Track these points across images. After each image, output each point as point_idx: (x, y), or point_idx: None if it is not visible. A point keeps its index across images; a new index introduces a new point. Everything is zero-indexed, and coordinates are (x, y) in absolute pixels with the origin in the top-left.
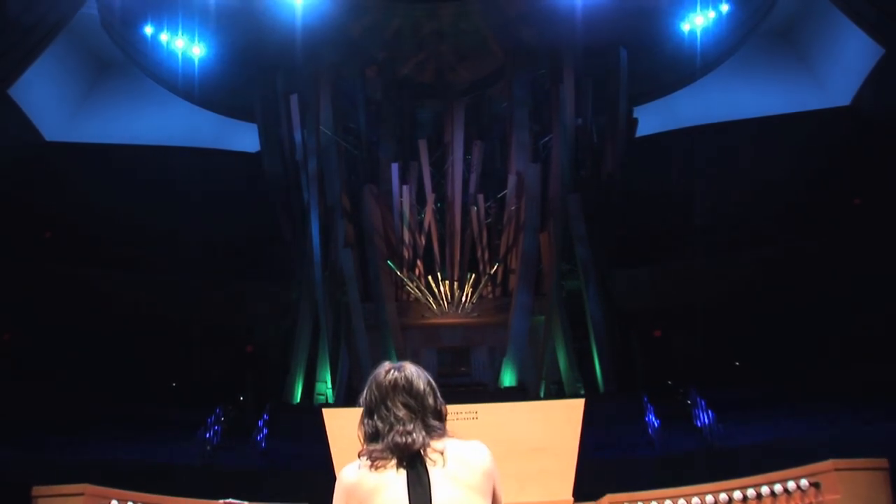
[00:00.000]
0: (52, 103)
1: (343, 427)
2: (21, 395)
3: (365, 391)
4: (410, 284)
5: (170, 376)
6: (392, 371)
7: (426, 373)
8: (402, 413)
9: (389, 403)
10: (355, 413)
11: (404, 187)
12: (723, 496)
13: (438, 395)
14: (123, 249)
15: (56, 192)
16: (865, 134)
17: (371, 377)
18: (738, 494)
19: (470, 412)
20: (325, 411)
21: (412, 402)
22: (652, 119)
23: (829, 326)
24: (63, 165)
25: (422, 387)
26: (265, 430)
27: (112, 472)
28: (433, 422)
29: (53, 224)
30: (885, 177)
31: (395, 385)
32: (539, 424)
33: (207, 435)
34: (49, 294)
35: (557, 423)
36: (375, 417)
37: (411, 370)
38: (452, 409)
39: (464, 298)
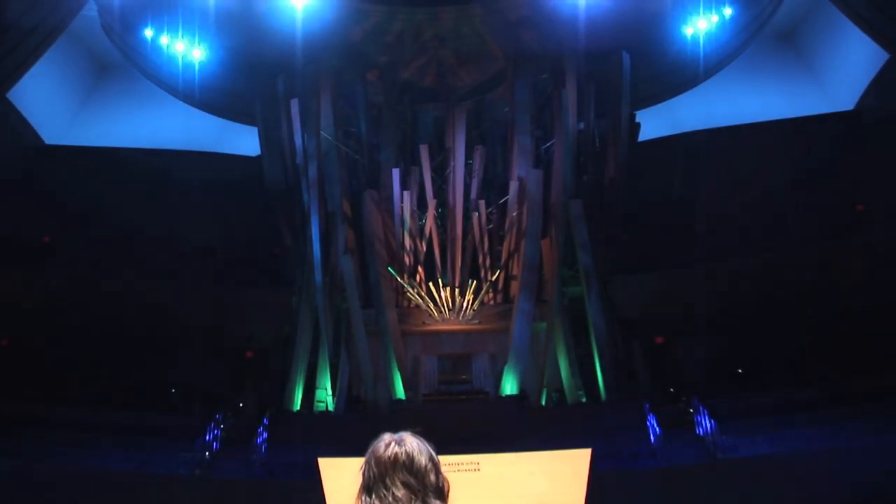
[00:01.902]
0: (51, 106)
1: (339, 478)
2: (17, 402)
3: (363, 466)
4: (411, 291)
5: (169, 382)
6: (392, 445)
7: (428, 446)
8: (400, 493)
9: (388, 482)
10: (353, 463)
11: (405, 193)
12: None
13: (440, 470)
14: (123, 254)
15: (55, 195)
16: (869, 139)
17: (370, 451)
18: None
19: (471, 463)
20: (321, 461)
21: (412, 481)
22: (654, 123)
23: (833, 333)
24: (63, 169)
25: (423, 463)
26: (265, 436)
27: (109, 481)
28: (434, 501)
29: (53, 228)
30: (889, 182)
31: (395, 461)
32: (543, 477)
33: (207, 438)
34: (47, 298)
35: (562, 476)
36: (373, 496)
37: (412, 444)
38: (453, 461)
39: (465, 305)
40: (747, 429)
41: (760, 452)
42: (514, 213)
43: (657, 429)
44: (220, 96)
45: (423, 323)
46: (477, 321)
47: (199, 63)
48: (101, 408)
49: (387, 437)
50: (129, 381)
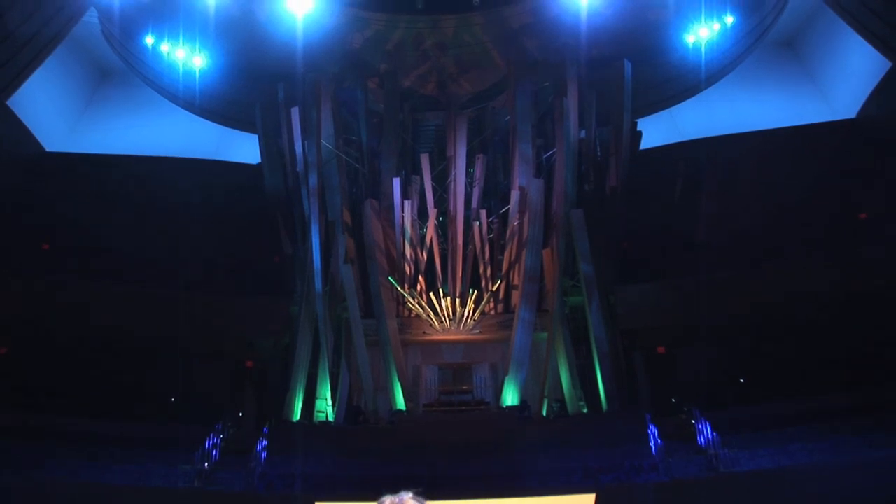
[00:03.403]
0: (52, 113)
1: None
2: (12, 412)
3: None
4: (412, 300)
5: (168, 392)
6: None
7: None
8: None
9: None
10: None
11: (406, 202)
12: None
13: None
14: (122, 262)
15: (55, 203)
16: (871, 147)
17: None
18: None
19: None
20: None
21: None
22: (655, 131)
23: (836, 344)
24: (63, 176)
25: None
26: (265, 447)
27: (108, 494)
28: None
29: (52, 236)
30: (892, 190)
31: None
32: None
33: (207, 447)
34: (45, 307)
35: None
36: None
37: None
38: None
39: (465, 315)
40: (749, 441)
41: (762, 466)
42: (516, 223)
43: (659, 440)
44: (220, 103)
45: (424, 333)
46: (478, 331)
47: (200, 70)
48: (100, 418)
49: (387, 500)
50: (128, 391)
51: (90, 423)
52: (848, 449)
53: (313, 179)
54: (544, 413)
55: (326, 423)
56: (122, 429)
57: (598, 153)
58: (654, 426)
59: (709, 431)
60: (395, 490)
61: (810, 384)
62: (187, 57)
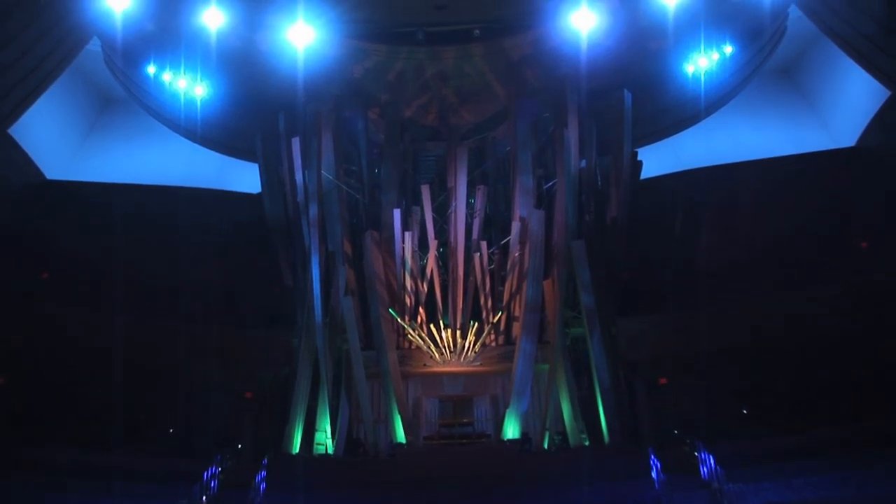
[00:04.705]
0: (53, 141)
1: None
2: (11, 445)
3: None
4: (412, 332)
5: (167, 424)
6: None
7: None
8: None
9: None
10: None
11: (406, 233)
12: None
13: None
14: (122, 291)
15: (55, 232)
16: (871, 175)
17: None
18: None
19: None
20: None
21: None
22: (656, 161)
23: (841, 375)
24: (63, 205)
25: None
26: (263, 479)
27: None
28: None
29: (51, 265)
30: (892, 219)
31: None
32: None
33: (205, 480)
34: (43, 337)
35: None
36: None
37: None
38: None
39: (466, 346)
40: (754, 474)
41: (768, 500)
42: (517, 254)
43: (661, 474)
44: (221, 132)
45: (425, 365)
46: (478, 363)
47: (201, 99)
48: (97, 451)
49: None
50: (125, 423)
51: (87, 455)
52: (854, 483)
53: (314, 209)
54: (546, 446)
55: (326, 455)
56: (120, 461)
57: (599, 183)
58: (657, 459)
59: (712, 463)
60: None
61: (815, 415)
62: (189, 86)
